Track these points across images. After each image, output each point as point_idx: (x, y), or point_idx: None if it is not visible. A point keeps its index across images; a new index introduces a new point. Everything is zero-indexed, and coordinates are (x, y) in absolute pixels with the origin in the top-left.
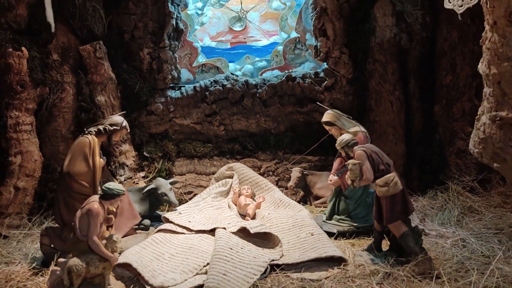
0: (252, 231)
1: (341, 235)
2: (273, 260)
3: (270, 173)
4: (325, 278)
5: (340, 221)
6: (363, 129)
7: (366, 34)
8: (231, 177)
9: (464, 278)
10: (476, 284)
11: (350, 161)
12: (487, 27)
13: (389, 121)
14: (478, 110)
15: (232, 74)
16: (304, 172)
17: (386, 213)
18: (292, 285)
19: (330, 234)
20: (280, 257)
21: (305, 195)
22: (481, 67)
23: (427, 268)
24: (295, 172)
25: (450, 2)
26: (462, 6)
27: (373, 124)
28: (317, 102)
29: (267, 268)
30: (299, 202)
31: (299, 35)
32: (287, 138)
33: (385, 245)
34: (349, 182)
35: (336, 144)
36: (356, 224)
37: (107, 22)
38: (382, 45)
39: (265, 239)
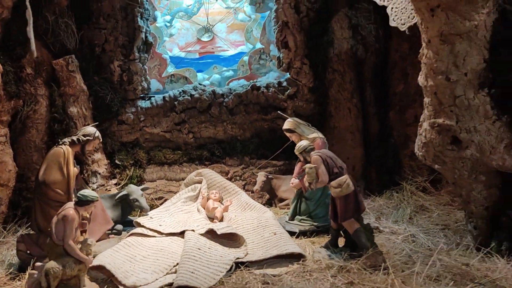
0: (219, 232)
1: (302, 234)
2: (238, 258)
3: (237, 177)
4: (285, 273)
5: (302, 221)
6: (321, 135)
7: (325, 46)
8: (200, 182)
9: (409, 269)
10: (420, 274)
11: (307, 165)
12: (423, 44)
13: (347, 126)
14: (420, 118)
15: (200, 84)
16: (269, 176)
17: (340, 212)
18: (254, 280)
19: (292, 233)
20: (245, 255)
21: (271, 197)
22: (420, 80)
23: (377, 261)
24: (261, 177)
25: (394, 21)
26: (404, 24)
27: (333, 130)
28: (278, 111)
29: (232, 265)
30: (265, 204)
31: (263, 46)
32: (252, 144)
33: (343, 242)
34: (306, 184)
35: (294, 150)
36: (316, 224)
37: (78, 37)
38: (340, 56)
39: (231, 240)
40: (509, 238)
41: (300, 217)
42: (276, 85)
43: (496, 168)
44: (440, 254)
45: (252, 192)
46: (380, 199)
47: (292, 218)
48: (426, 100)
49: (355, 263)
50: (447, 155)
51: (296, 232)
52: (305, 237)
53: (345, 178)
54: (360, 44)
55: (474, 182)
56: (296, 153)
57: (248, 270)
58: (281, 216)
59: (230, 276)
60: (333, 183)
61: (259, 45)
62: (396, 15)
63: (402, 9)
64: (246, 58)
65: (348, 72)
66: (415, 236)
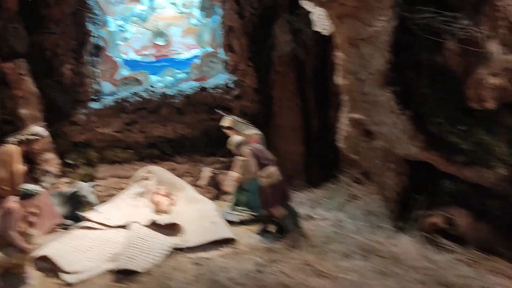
0: (161, 223)
1: (242, 223)
2: (177, 245)
3: (187, 174)
4: (217, 256)
5: (241, 211)
6: (257, 132)
7: (268, 49)
8: (148, 179)
9: (328, 247)
10: (335, 251)
11: (239, 158)
12: (337, 48)
13: (290, 124)
14: (340, 113)
15: (151, 86)
16: (215, 172)
17: (269, 199)
18: (188, 263)
19: (233, 223)
20: (184, 242)
21: (217, 192)
22: (337, 79)
23: (300, 242)
24: (207, 172)
25: (318, 26)
26: (326, 29)
27: (277, 128)
28: (215, 109)
29: (172, 252)
30: (211, 198)
31: (214, 50)
32: (201, 143)
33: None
34: (240, 175)
35: (228, 145)
36: (254, 213)
37: (29, 41)
38: (282, 58)
39: (173, 229)
40: (417, 219)
41: (240, 208)
42: (224, 87)
43: (403, 157)
44: (357, 235)
45: (201, 187)
46: (318, 190)
47: (233, 208)
48: (344, 97)
49: (280, 245)
50: (362, 146)
51: (235, 221)
52: (244, 225)
53: (273, 169)
54: (300, 47)
55: (386, 170)
56: (229, 148)
57: (185, 255)
58: (224, 208)
59: (166, 259)
60: (262, 173)
61: (210, 49)
62: (319, 21)
63: (326, 15)
64: (198, 61)
65: (290, 73)
66: (342, 221)
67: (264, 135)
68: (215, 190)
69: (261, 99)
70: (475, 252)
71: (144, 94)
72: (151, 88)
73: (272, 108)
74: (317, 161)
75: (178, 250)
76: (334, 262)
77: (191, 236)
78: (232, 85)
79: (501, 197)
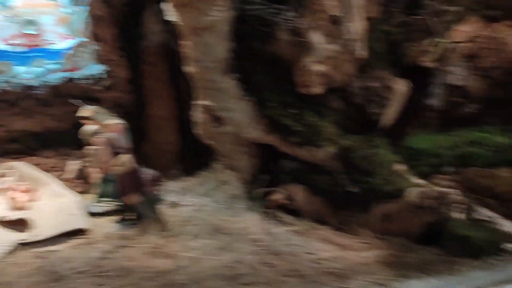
0: (9, 219)
1: (106, 214)
2: (23, 240)
3: (54, 169)
4: (66, 247)
5: (106, 202)
6: (119, 121)
7: (139, 39)
8: (4, 176)
9: (182, 229)
10: (189, 233)
11: (92, 147)
12: (183, 37)
13: (164, 115)
14: (192, 101)
15: (13, 77)
16: (83, 165)
17: (124, 187)
18: (30, 257)
19: (98, 214)
20: (34, 237)
21: (87, 185)
22: (186, 68)
23: (155, 227)
24: (74, 165)
25: (170, 16)
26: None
27: (151, 119)
28: (69, 100)
29: (17, 247)
30: (82, 192)
31: (87, 39)
32: (69, 136)
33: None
34: (96, 165)
35: (79, 135)
36: (119, 203)
37: None
38: (153, 48)
39: (23, 225)
40: (262, 197)
41: (105, 199)
42: (94, 77)
43: (251, 140)
44: (212, 216)
45: (69, 181)
46: (191, 178)
47: (98, 200)
48: (194, 85)
49: (134, 231)
50: (214, 131)
51: (100, 213)
52: (109, 216)
53: (126, 156)
54: (171, 37)
55: (238, 153)
56: (80, 137)
57: (30, 249)
58: (90, 200)
59: (8, 255)
60: (116, 161)
61: (83, 38)
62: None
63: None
64: (70, 51)
65: (161, 64)
66: (205, 206)
67: (138, 126)
68: (84, 183)
69: (134, 90)
70: (308, 223)
71: (4, 85)
72: (12, 79)
73: (145, 99)
74: (192, 151)
75: (25, 245)
76: (183, 243)
77: (43, 230)
78: (103, 76)
79: (330, 173)
